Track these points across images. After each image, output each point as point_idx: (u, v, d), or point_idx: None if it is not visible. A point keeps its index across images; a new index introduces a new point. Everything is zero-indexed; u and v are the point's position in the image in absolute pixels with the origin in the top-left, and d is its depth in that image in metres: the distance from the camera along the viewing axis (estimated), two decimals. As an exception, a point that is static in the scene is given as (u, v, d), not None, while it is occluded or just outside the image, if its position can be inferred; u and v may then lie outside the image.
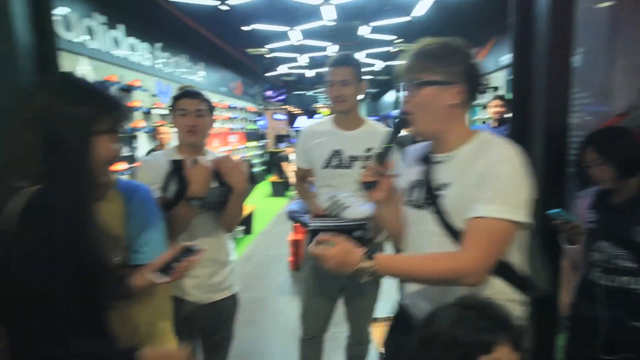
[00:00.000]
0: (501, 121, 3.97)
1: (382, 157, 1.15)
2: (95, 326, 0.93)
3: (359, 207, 1.56)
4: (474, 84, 1.06)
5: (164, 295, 1.41)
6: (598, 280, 1.51)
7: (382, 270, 0.99)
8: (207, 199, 1.50)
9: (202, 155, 1.64)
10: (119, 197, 1.20)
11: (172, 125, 1.69)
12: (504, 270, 1.03)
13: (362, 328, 2.04)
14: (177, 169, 1.51)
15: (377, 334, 2.48)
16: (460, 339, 0.75)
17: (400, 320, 1.25)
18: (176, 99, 1.64)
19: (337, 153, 1.79)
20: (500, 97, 2.60)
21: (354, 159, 1.79)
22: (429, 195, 1.09)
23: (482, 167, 1.00)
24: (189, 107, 1.59)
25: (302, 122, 12.89)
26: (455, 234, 1.03)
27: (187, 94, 1.64)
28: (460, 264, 0.95)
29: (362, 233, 1.26)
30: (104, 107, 0.91)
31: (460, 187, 1.03)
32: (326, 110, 15.33)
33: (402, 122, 1.15)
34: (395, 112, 13.26)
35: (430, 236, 1.08)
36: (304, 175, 1.96)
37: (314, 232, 1.40)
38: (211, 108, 1.67)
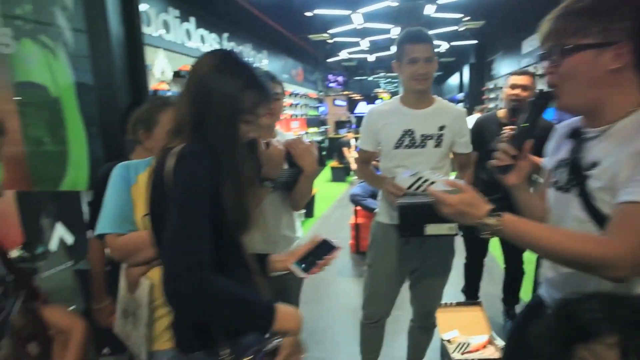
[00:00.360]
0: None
1: (518, 139, 1.05)
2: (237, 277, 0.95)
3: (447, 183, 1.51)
4: None
5: None
6: None
7: (508, 232, 0.90)
8: (278, 180, 1.57)
9: (274, 137, 1.70)
10: None
11: None
12: None
13: (428, 312, 2.00)
14: (251, 149, 1.60)
15: (442, 320, 2.46)
16: (567, 316, 0.69)
17: (534, 310, 1.13)
18: None
19: (408, 133, 1.73)
20: (528, 72, 2.32)
21: (426, 137, 1.73)
22: (575, 175, 0.94)
23: None
24: None
25: (362, 108, 12.78)
26: (602, 221, 0.88)
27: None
28: (608, 251, 0.80)
29: None
30: (250, 87, 0.93)
31: (613, 167, 0.86)
32: (387, 96, 15.03)
33: (543, 97, 1.02)
34: (460, 96, 12.65)
35: (574, 222, 0.94)
36: (368, 158, 1.92)
37: (404, 209, 1.37)
38: (283, 91, 1.74)
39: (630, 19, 0.83)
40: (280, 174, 1.56)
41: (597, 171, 0.89)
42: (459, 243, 2.18)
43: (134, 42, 1.90)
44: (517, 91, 2.29)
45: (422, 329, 2.02)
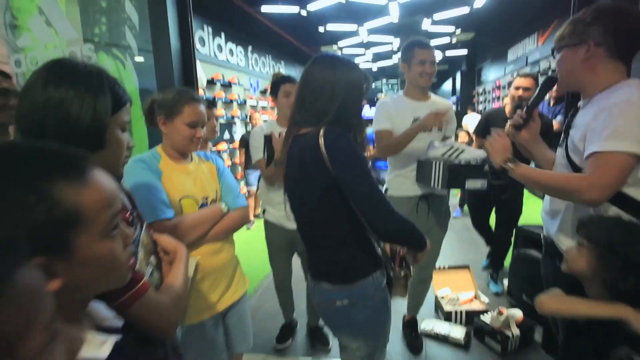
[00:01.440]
0: (558, 99, 3.78)
1: (529, 108, 1.27)
2: None
3: (473, 151, 1.69)
4: (613, 42, 1.05)
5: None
6: None
7: (518, 172, 1.14)
8: None
9: None
10: (206, 160, 1.38)
11: (274, 103, 1.96)
12: (623, 200, 1.04)
13: (426, 267, 2.10)
14: (267, 141, 1.84)
15: (436, 280, 2.61)
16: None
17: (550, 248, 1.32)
18: (280, 83, 1.90)
19: (417, 119, 1.82)
20: (531, 76, 2.43)
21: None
22: (566, 135, 1.17)
23: (600, 108, 1.02)
24: (293, 89, 1.85)
25: (366, 111, 12.81)
26: (575, 167, 1.11)
27: (289, 80, 1.91)
28: (581, 182, 1.01)
29: (488, 168, 1.59)
30: (366, 78, 1.13)
31: (579, 127, 1.09)
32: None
33: (549, 80, 1.25)
34: (453, 99, 12.64)
35: (560, 167, 1.19)
36: (389, 136, 1.86)
37: (453, 167, 1.64)
38: None
39: (598, 25, 1.05)
40: None
41: (572, 131, 1.13)
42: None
43: (188, 56, 2.09)
44: (520, 92, 2.38)
45: (421, 282, 2.14)
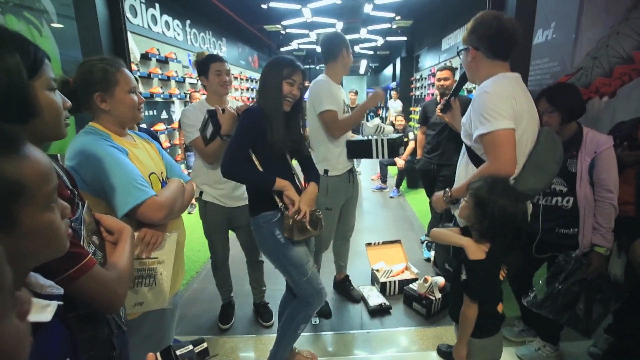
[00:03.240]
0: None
1: (449, 97, 1.89)
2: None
3: (389, 127, 2.20)
4: (485, 45, 1.32)
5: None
6: (538, 200, 1.73)
7: (455, 196, 1.42)
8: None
9: (227, 105, 1.91)
10: (146, 140, 1.31)
11: (204, 82, 1.91)
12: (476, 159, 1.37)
13: (346, 229, 2.36)
14: (212, 115, 1.80)
15: (371, 255, 2.81)
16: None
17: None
18: (209, 62, 1.87)
19: (344, 102, 2.08)
20: (447, 68, 2.99)
21: (346, 105, 2.11)
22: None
23: (474, 98, 1.30)
24: (223, 68, 1.86)
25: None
26: (467, 148, 1.42)
27: (219, 58, 1.88)
28: (494, 167, 1.23)
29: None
30: (289, 65, 1.47)
31: (467, 115, 1.36)
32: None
33: (464, 75, 1.53)
34: (393, 84, 13.13)
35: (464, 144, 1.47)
36: (337, 116, 2.00)
37: (394, 142, 2.08)
38: (229, 69, 1.94)
39: (475, 33, 1.34)
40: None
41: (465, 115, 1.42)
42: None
43: (117, 25, 1.92)
44: (442, 82, 2.97)
45: (343, 241, 2.44)
